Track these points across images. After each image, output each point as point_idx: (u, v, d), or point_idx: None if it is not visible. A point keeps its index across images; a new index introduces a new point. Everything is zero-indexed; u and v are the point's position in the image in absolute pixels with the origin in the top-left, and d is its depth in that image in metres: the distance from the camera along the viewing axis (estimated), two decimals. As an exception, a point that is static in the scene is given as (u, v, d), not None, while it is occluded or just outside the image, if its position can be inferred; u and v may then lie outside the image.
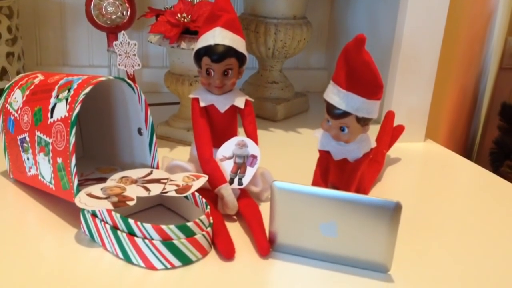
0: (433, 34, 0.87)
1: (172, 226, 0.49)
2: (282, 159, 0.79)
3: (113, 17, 0.94)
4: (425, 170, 0.81)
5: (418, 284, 0.50)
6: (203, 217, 0.51)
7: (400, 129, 0.80)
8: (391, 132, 0.78)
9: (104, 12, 0.93)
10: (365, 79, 0.55)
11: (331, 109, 0.57)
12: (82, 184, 0.60)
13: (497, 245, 0.58)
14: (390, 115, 0.80)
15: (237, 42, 0.61)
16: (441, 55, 0.89)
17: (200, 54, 0.61)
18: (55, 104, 0.56)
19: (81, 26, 1.03)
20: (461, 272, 0.53)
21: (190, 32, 0.75)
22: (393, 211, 0.48)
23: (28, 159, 0.60)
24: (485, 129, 1.74)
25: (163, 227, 0.48)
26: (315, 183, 0.62)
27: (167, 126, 0.83)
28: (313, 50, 1.19)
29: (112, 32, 0.95)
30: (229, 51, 0.60)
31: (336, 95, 0.57)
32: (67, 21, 1.03)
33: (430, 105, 0.90)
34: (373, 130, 0.68)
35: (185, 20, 0.74)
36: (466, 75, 1.55)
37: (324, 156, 0.62)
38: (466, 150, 1.69)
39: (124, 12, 0.94)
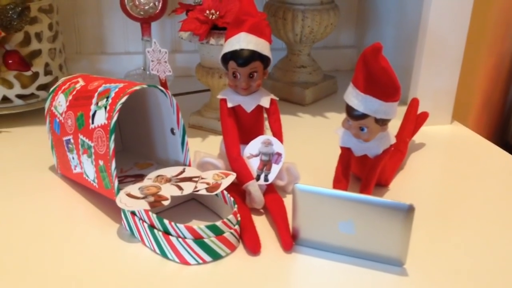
0: (460, 14, 0.86)
1: (202, 226, 0.54)
2: (309, 144, 0.83)
3: (146, 7, 0.98)
4: (449, 157, 0.83)
5: (432, 277, 0.54)
6: (231, 216, 0.56)
7: (424, 116, 0.82)
8: (414, 120, 0.80)
9: (137, 3, 0.97)
10: (382, 83, 0.58)
11: (350, 111, 0.60)
12: (121, 181, 0.65)
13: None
14: (414, 103, 0.81)
15: (262, 46, 0.63)
16: (471, 28, 0.88)
17: (226, 58, 0.64)
18: (95, 111, 0.61)
19: (116, 15, 1.07)
20: (477, 265, 0.56)
21: (218, 28, 0.78)
22: (406, 213, 0.51)
23: (73, 158, 0.66)
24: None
25: (195, 227, 0.54)
26: (336, 179, 0.65)
27: (199, 116, 0.87)
28: (342, 28, 1.19)
29: (145, 22, 1.00)
30: (254, 55, 0.63)
31: (355, 98, 0.60)
32: (104, 10, 1.08)
33: (460, 81, 0.90)
34: (400, 114, 0.69)
35: (213, 17, 0.77)
36: (502, 43, 1.51)
37: (346, 153, 0.65)
38: (502, 121, 1.67)
39: (156, 3, 0.97)
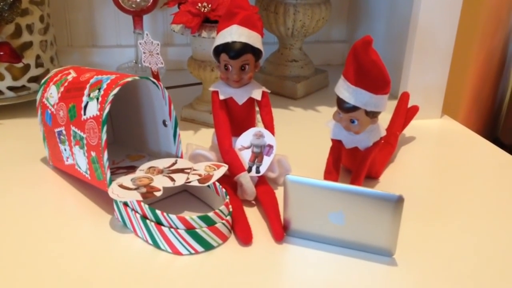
0: (450, 9, 0.86)
1: (194, 217, 0.54)
2: (301, 137, 0.83)
3: (138, 0, 0.97)
4: (439, 151, 0.84)
5: (420, 267, 0.55)
6: (222, 207, 0.57)
7: (414, 110, 0.83)
8: (405, 114, 0.81)
9: (129, -4, 0.97)
10: (372, 75, 0.58)
11: (341, 103, 0.61)
12: (114, 172, 0.66)
13: (507, 232, 0.61)
14: (404, 97, 0.82)
15: (253, 38, 0.64)
16: (462, 23, 0.89)
17: (218, 51, 0.64)
18: (87, 103, 0.61)
19: (107, 8, 1.07)
20: (465, 257, 0.57)
21: (210, 21, 0.78)
22: (396, 203, 0.52)
23: (65, 149, 0.66)
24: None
25: (187, 217, 0.54)
26: (327, 171, 0.66)
27: (191, 109, 0.88)
28: (334, 23, 1.20)
29: (137, 15, 0.99)
30: (246, 48, 0.63)
31: (345, 90, 0.60)
32: (95, 3, 1.07)
33: (450, 77, 0.91)
34: (390, 107, 0.70)
35: (205, 9, 0.78)
36: (492, 40, 1.52)
37: (336, 145, 0.66)
38: (492, 116, 1.68)
39: (148, -4, 0.97)
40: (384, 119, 0.71)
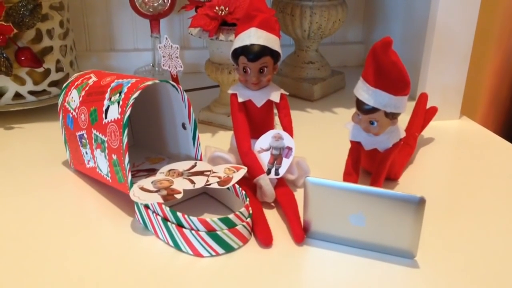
0: (468, 10, 0.86)
1: (215, 219, 0.55)
2: (319, 139, 0.83)
3: (155, 4, 0.98)
4: (458, 152, 0.83)
5: (442, 268, 0.54)
6: (243, 209, 0.57)
7: (433, 111, 0.83)
8: (423, 115, 0.81)
9: (146, 0, 0.98)
10: (392, 77, 0.58)
11: (360, 105, 0.61)
12: (134, 175, 0.66)
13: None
14: (423, 98, 0.82)
15: (272, 41, 0.64)
16: (479, 23, 0.88)
17: (237, 54, 0.65)
18: (108, 106, 0.62)
19: (125, 12, 1.08)
20: (487, 258, 0.56)
21: (228, 24, 0.79)
22: (417, 205, 0.52)
23: (86, 153, 0.67)
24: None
25: (208, 220, 0.55)
26: (346, 172, 0.66)
27: (209, 112, 0.88)
28: (350, 24, 1.20)
29: (154, 19, 1.00)
30: (264, 50, 0.63)
31: (365, 92, 0.60)
32: (113, 8, 1.08)
33: (468, 77, 0.91)
34: (409, 108, 0.70)
35: (223, 13, 0.78)
36: (509, 40, 1.51)
37: (356, 147, 0.66)
38: (510, 117, 1.66)
39: (165, 0, 0.98)
40: (403, 121, 0.71)
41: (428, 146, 0.83)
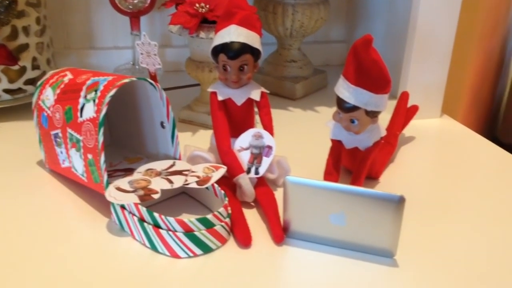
0: (450, 9, 0.86)
1: (193, 219, 0.54)
2: (300, 138, 0.83)
3: (135, 1, 0.97)
4: (438, 150, 0.83)
5: (422, 267, 0.54)
6: (221, 209, 0.56)
7: (414, 109, 0.82)
8: (404, 114, 0.80)
9: (126, -3, 0.96)
10: (373, 75, 0.58)
11: (341, 103, 0.60)
12: (111, 175, 0.65)
13: (508, 231, 0.61)
14: (404, 96, 0.82)
15: (252, 38, 0.63)
16: (461, 23, 0.89)
17: (217, 51, 0.64)
18: (83, 105, 0.60)
19: (104, 9, 1.06)
20: (467, 257, 0.56)
21: (208, 22, 0.78)
22: (397, 204, 0.51)
23: (61, 152, 0.65)
24: (512, 92, 1.70)
25: (185, 220, 0.53)
26: (327, 171, 0.65)
27: (189, 111, 0.87)
28: (332, 23, 1.19)
29: (134, 16, 0.99)
30: (244, 48, 0.62)
31: (346, 90, 0.60)
32: (92, 4, 1.06)
33: (449, 76, 0.91)
34: (390, 107, 0.70)
35: (203, 10, 0.77)
36: (491, 38, 1.52)
37: (336, 145, 0.65)
38: (490, 116, 1.68)
39: (145, -3, 0.96)
40: (384, 119, 0.70)
41: (409, 144, 0.82)
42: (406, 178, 0.73)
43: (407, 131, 0.84)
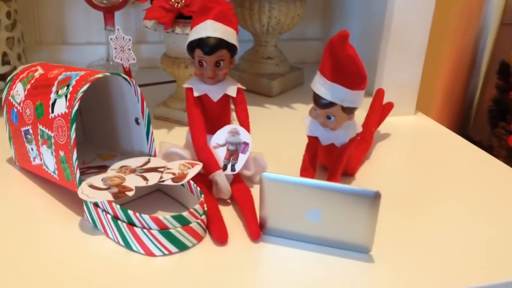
0: (424, 8, 0.87)
1: (168, 217, 0.53)
2: (276, 135, 0.82)
3: (109, -4, 0.95)
4: (413, 146, 0.84)
5: (397, 262, 0.54)
6: (197, 206, 0.55)
7: (389, 106, 0.83)
8: (380, 111, 0.81)
9: (99, -8, 0.94)
10: (349, 71, 0.58)
11: (317, 99, 0.60)
12: (84, 172, 0.63)
13: (480, 225, 0.61)
14: (379, 93, 0.82)
15: (228, 34, 0.63)
16: (435, 21, 0.90)
17: (192, 46, 0.63)
18: (55, 100, 0.58)
19: (78, 4, 1.04)
20: (441, 252, 0.56)
21: (184, 17, 0.77)
22: (373, 199, 0.52)
23: (32, 149, 0.63)
24: (485, 88, 1.74)
25: (160, 217, 0.53)
26: (303, 168, 0.65)
27: (165, 107, 0.86)
28: (309, 21, 1.20)
29: (108, 11, 0.97)
30: (221, 43, 0.62)
31: (322, 86, 0.59)
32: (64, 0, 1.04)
33: (423, 74, 0.92)
34: (366, 104, 0.71)
35: (179, 5, 0.76)
36: (463, 37, 1.54)
37: (313, 142, 0.65)
38: (463, 114, 1.71)
39: (119, -8, 0.95)
40: (359, 116, 0.71)
41: (384, 141, 0.83)
42: (382, 174, 0.73)
43: (382, 128, 0.85)
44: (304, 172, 0.65)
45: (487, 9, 1.63)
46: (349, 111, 0.60)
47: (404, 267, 0.54)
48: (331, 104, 0.59)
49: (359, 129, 0.65)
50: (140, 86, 0.62)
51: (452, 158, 0.80)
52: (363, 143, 0.75)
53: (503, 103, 1.57)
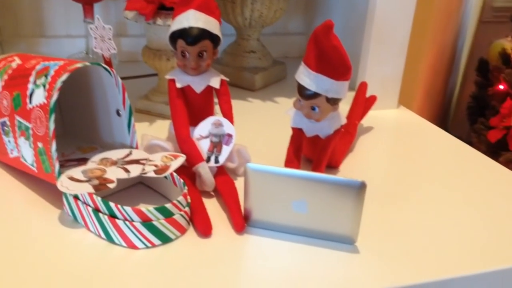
0: (406, 3, 0.87)
1: (151, 208, 0.52)
2: (259, 128, 0.82)
3: (88, -13, 0.93)
4: (396, 139, 0.84)
5: (382, 254, 0.54)
6: (180, 198, 0.55)
7: (372, 99, 0.83)
8: (363, 104, 0.81)
9: (78, -17, 0.92)
10: (334, 61, 0.57)
11: (302, 90, 0.60)
12: (63, 165, 0.62)
13: (464, 214, 0.62)
14: (362, 87, 0.82)
15: (211, 24, 0.62)
16: (416, 17, 0.90)
17: (174, 37, 0.62)
18: (33, 90, 0.57)
19: (56, -4, 1.02)
20: (426, 242, 0.56)
21: (166, 8, 0.75)
22: (358, 189, 0.51)
23: (9, 142, 0.61)
24: (464, 85, 1.76)
25: (143, 209, 0.51)
26: (288, 160, 0.65)
27: (147, 101, 0.84)
28: (291, 15, 1.19)
29: (87, 3, 0.95)
30: (203, 34, 0.61)
31: (306, 77, 0.59)
32: (42, -9, 1.02)
33: (405, 69, 0.93)
34: (349, 97, 0.71)
35: (160, -4, 0.75)
36: (443, 33, 1.56)
37: (297, 133, 0.65)
38: (443, 110, 1.73)
39: (99, -17, 0.93)
40: (343, 110, 0.70)
41: (367, 134, 0.83)
42: (365, 166, 0.73)
43: (365, 121, 0.85)
44: (289, 164, 0.64)
45: (465, 7, 1.65)
46: (334, 102, 0.60)
47: (389, 258, 0.54)
48: (315, 95, 0.59)
49: (344, 120, 0.65)
50: (121, 79, 0.61)
51: (434, 150, 0.80)
52: (347, 135, 0.75)
53: (482, 99, 1.59)
